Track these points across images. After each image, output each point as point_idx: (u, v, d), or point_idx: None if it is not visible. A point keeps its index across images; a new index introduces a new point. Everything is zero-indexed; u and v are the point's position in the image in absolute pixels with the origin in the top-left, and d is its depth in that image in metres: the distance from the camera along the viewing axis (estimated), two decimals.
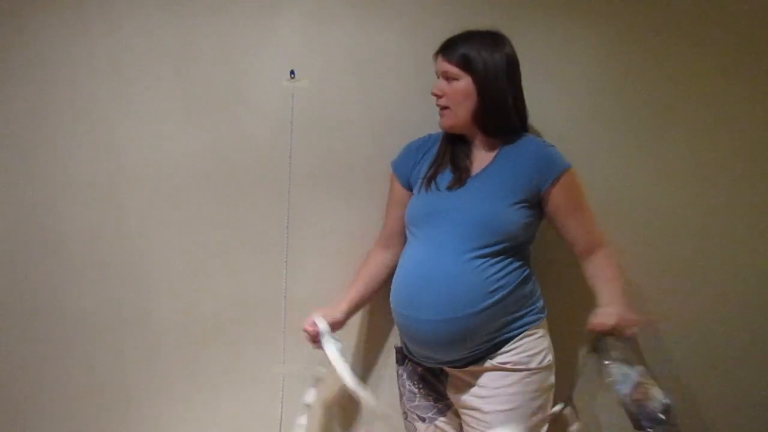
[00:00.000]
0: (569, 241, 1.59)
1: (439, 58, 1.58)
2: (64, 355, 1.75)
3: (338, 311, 1.64)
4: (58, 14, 1.71)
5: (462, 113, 1.56)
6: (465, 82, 1.54)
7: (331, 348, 1.56)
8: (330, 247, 1.81)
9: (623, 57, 1.82)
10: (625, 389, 1.39)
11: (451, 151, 1.62)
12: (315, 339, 1.59)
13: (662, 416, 1.36)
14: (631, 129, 1.83)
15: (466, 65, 1.54)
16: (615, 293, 1.51)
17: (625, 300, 1.50)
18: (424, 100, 1.72)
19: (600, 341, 1.44)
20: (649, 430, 1.37)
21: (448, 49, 1.56)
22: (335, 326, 1.62)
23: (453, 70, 1.55)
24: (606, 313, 1.46)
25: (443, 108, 1.58)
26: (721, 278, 1.86)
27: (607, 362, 1.42)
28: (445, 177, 1.59)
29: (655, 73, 1.82)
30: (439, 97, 1.58)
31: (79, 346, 1.75)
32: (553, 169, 1.54)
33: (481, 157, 1.59)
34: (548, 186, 1.53)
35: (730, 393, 1.89)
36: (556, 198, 1.54)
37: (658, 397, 1.38)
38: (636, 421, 1.38)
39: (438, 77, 1.60)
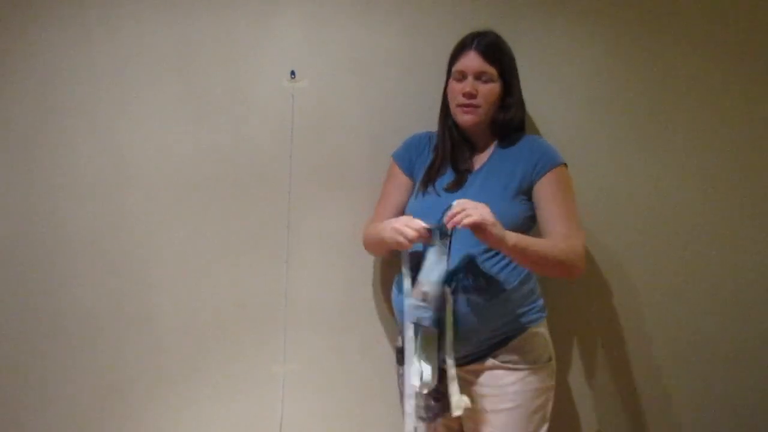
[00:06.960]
0: (545, 235, 1.52)
1: (475, 56, 1.54)
2: (64, 355, 1.75)
3: None
4: (59, 16, 1.71)
5: (490, 113, 1.57)
6: (498, 85, 1.55)
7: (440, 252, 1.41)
8: (330, 247, 1.81)
9: (623, 57, 1.82)
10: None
11: (451, 153, 1.62)
12: (424, 236, 1.42)
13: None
14: (631, 129, 1.83)
15: (502, 70, 1.55)
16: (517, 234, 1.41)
17: (510, 240, 1.37)
18: (423, 99, 1.72)
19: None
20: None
21: (488, 50, 1.54)
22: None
23: (492, 71, 1.54)
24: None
25: (473, 106, 1.55)
26: (719, 278, 1.87)
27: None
28: (446, 179, 1.59)
29: (654, 74, 1.82)
30: (473, 96, 1.54)
31: (79, 346, 1.75)
32: (546, 163, 1.54)
33: (480, 156, 1.61)
34: (539, 177, 1.53)
35: (729, 392, 1.89)
36: (542, 189, 1.53)
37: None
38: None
39: (461, 75, 1.55)
